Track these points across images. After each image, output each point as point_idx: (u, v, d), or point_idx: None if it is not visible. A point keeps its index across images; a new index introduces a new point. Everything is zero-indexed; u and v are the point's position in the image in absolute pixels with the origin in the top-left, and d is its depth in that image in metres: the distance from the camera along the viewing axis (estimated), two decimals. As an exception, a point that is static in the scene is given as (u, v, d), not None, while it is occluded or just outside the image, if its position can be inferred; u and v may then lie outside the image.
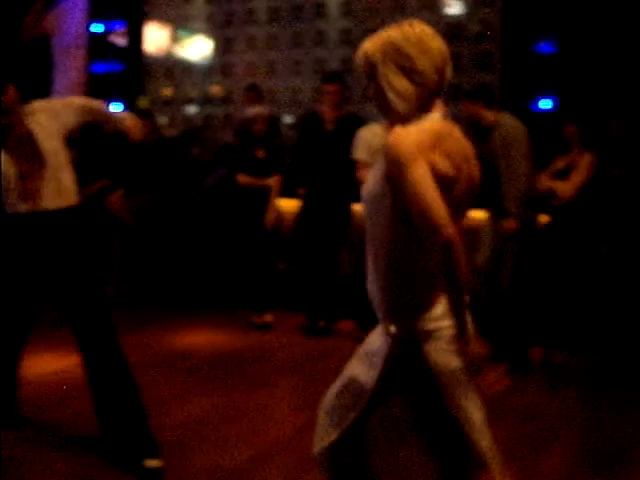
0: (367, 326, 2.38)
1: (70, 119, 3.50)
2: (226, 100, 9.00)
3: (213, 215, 6.53)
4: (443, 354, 2.03)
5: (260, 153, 6.06)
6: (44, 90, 8.82)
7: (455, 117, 2.23)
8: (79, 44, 9.04)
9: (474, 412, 2.06)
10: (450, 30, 7.58)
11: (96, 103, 3.65)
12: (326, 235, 5.73)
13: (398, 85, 2.02)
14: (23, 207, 3.40)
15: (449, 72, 2.05)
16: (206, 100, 9.37)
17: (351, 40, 8.33)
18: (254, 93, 6.92)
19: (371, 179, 2.09)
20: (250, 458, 3.49)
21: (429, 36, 2.03)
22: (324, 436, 2.32)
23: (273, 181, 6.03)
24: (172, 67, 9.62)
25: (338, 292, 5.82)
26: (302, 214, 5.97)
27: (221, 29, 9.24)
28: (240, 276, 6.22)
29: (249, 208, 6.04)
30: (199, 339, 5.60)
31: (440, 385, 2.04)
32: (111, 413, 3.45)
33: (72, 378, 3.91)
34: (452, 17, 7.86)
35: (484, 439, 2.08)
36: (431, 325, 2.03)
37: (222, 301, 6.36)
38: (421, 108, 2.04)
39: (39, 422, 3.84)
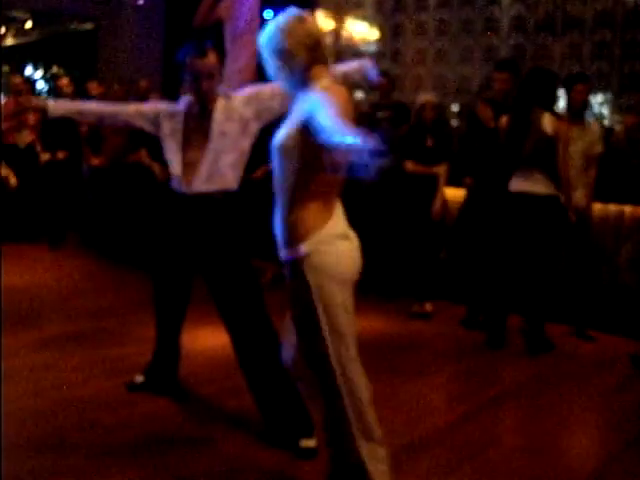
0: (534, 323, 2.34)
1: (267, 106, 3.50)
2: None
3: (378, 202, 6.53)
4: (326, 282, 2.56)
5: (429, 141, 6.01)
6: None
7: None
8: (251, 30, 9.28)
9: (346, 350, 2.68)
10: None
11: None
12: (491, 227, 5.60)
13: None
14: (182, 187, 3.55)
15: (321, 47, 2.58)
16: (373, 87, 9.37)
17: (523, 27, 8.08)
18: (387, 80, 6.84)
19: (284, 133, 2.57)
20: (402, 448, 3.47)
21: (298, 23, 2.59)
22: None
23: (441, 169, 5.97)
24: (341, 53, 9.69)
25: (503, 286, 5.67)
26: (467, 204, 5.87)
27: (391, 16, 9.23)
28: (403, 264, 6.20)
29: (416, 196, 6.01)
30: (358, 325, 5.61)
31: (317, 311, 2.58)
32: (265, 392, 3.51)
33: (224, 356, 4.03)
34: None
35: (358, 392, 2.73)
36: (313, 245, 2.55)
37: (383, 288, 6.35)
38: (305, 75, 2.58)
39: (198, 397, 3.99)
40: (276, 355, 3.40)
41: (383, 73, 7.45)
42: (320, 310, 2.58)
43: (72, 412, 3.65)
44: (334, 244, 2.61)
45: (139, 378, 3.98)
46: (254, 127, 3.55)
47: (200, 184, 3.51)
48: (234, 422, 3.66)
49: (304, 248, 2.56)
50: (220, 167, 3.51)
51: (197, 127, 3.55)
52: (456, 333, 5.50)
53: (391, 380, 4.39)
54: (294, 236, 2.59)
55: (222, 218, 3.55)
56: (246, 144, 3.57)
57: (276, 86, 3.20)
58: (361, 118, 7.66)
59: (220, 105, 3.52)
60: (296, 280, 2.62)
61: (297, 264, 2.59)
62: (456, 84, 8.70)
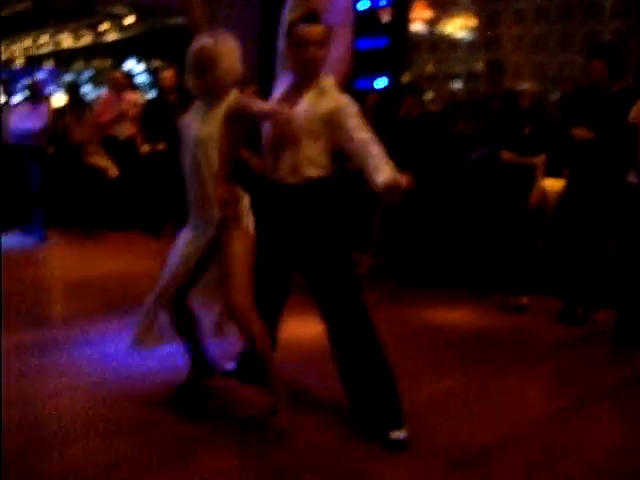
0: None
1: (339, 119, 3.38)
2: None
3: (475, 192, 6.43)
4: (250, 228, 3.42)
5: (526, 130, 5.87)
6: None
7: None
8: (346, 21, 9.27)
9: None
10: None
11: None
12: (592, 218, 5.41)
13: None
14: (272, 177, 3.55)
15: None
16: (471, 75, 9.23)
17: (626, 11, 7.78)
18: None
19: (206, 127, 3.32)
20: (495, 439, 3.43)
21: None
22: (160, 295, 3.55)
23: (538, 159, 5.82)
24: (437, 42, 9.57)
25: (599, 279, 5.50)
26: (566, 195, 5.69)
27: (487, 3, 9.04)
28: (499, 255, 6.08)
29: (512, 186, 5.88)
30: (452, 316, 5.57)
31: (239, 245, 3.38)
32: (357, 383, 3.48)
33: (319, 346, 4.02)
34: None
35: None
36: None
37: (478, 280, 6.25)
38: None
39: (290, 386, 3.98)
40: (370, 346, 3.42)
41: (490, 62, 7.34)
42: None
43: (163, 396, 3.75)
44: None
45: (230, 365, 4.03)
46: (333, 128, 3.40)
47: (287, 174, 3.48)
48: (325, 412, 3.68)
49: None
50: (305, 158, 3.43)
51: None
52: (552, 327, 5.35)
53: (484, 374, 4.32)
54: None
55: (314, 208, 3.50)
56: (329, 139, 3.43)
57: (362, 136, 3.28)
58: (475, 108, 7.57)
59: (311, 96, 3.42)
60: None
61: None
62: (555, 71, 8.46)
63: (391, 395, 3.41)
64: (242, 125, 3.38)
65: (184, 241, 3.52)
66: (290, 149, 3.44)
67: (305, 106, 3.40)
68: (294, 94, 3.47)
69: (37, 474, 2.98)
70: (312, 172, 3.45)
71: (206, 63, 3.29)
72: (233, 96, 3.34)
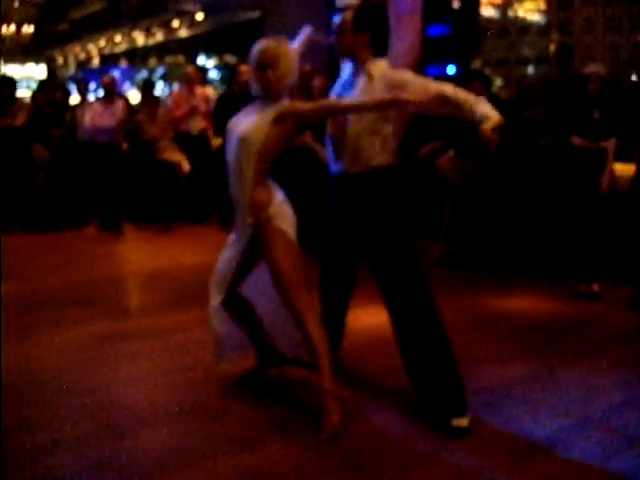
0: None
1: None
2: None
3: (544, 177, 6.34)
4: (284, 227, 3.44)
5: (596, 114, 5.75)
6: (381, 56, 9.17)
7: None
8: (415, 9, 9.23)
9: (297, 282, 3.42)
10: None
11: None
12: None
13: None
14: (335, 168, 3.61)
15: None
16: (542, 59, 9.09)
17: None
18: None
19: (250, 126, 3.40)
20: (560, 429, 3.40)
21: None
22: (214, 297, 3.59)
23: (609, 144, 5.70)
24: (507, 27, 9.46)
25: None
26: (637, 179, 5.57)
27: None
28: (569, 242, 5.99)
29: (582, 171, 5.78)
30: (521, 304, 5.51)
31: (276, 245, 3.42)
32: (420, 371, 3.49)
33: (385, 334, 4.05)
34: None
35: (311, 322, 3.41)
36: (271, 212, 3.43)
37: (548, 267, 6.17)
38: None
39: (355, 374, 4.05)
40: (433, 334, 3.43)
41: (559, 44, 7.21)
42: None
43: (232, 385, 3.85)
44: None
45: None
46: (394, 114, 3.45)
47: (347, 164, 3.53)
48: (389, 400, 3.71)
49: None
50: (363, 148, 3.47)
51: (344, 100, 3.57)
52: (625, 314, 5.24)
53: (554, 361, 4.28)
54: None
55: (376, 197, 3.52)
56: (388, 129, 3.47)
57: (434, 88, 3.33)
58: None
59: (361, 84, 3.49)
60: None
61: None
62: (629, 54, 8.25)
63: (453, 383, 3.42)
64: (288, 128, 3.43)
65: (229, 242, 3.65)
66: (352, 138, 3.48)
67: (358, 95, 3.46)
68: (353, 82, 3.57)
69: (108, 458, 3.11)
70: (374, 161, 3.48)
71: (266, 62, 3.40)
72: (285, 103, 3.42)
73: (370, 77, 3.47)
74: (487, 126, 3.26)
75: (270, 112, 3.38)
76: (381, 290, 3.57)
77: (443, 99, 3.35)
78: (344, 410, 3.42)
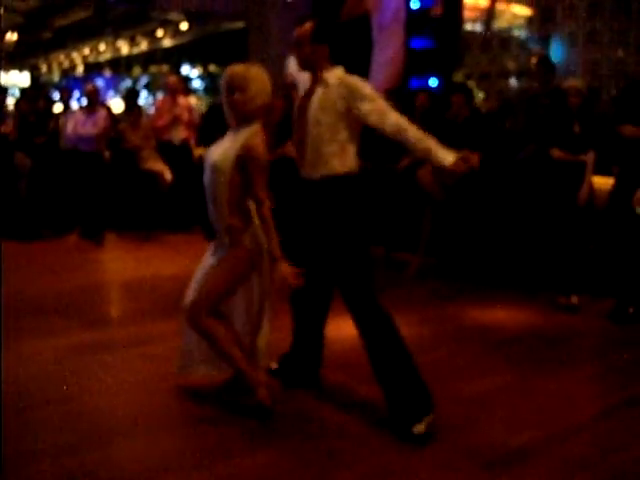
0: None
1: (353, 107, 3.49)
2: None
3: (524, 190, 6.39)
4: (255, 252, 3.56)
5: (575, 127, 5.81)
6: (363, 68, 9.22)
7: None
8: (398, 20, 9.30)
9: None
10: None
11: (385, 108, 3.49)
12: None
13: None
14: (300, 173, 3.66)
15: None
16: (523, 72, 9.17)
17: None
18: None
19: (220, 155, 3.48)
20: (537, 441, 3.42)
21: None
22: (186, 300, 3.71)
23: (588, 157, 5.76)
24: (489, 40, 9.54)
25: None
26: (616, 192, 5.63)
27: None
28: (548, 254, 6.03)
29: (562, 184, 5.83)
30: (500, 315, 5.55)
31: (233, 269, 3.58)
32: (382, 376, 3.54)
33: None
34: None
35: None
36: (247, 241, 3.55)
37: (527, 279, 6.22)
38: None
39: (331, 383, 4.06)
40: (388, 341, 3.51)
41: (540, 58, 7.27)
42: None
43: (213, 394, 3.84)
44: None
45: (274, 365, 4.09)
46: (351, 121, 3.51)
47: (308, 171, 3.61)
48: (361, 408, 3.73)
49: None
50: (322, 155, 3.54)
51: (303, 107, 3.62)
52: (603, 327, 5.30)
53: (532, 373, 4.31)
54: None
55: (333, 204, 3.57)
56: (345, 135, 3.53)
57: (394, 117, 3.42)
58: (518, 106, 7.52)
59: (318, 93, 3.55)
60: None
61: None
62: (610, 68, 8.34)
63: (412, 389, 3.45)
64: (249, 170, 3.46)
65: (205, 259, 3.75)
66: (310, 146, 3.55)
67: (315, 103, 3.53)
68: (306, 97, 3.63)
69: (86, 468, 3.09)
70: (333, 167, 3.54)
71: (234, 85, 3.47)
72: (254, 129, 3.47)
73: (325, 84, 3.53)
74: (448, 162, 3.36)
75: (239, 141, 3.46)
76: (341, 296, 3.63)
77: (398, 131, 3.42)
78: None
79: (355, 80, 3.52)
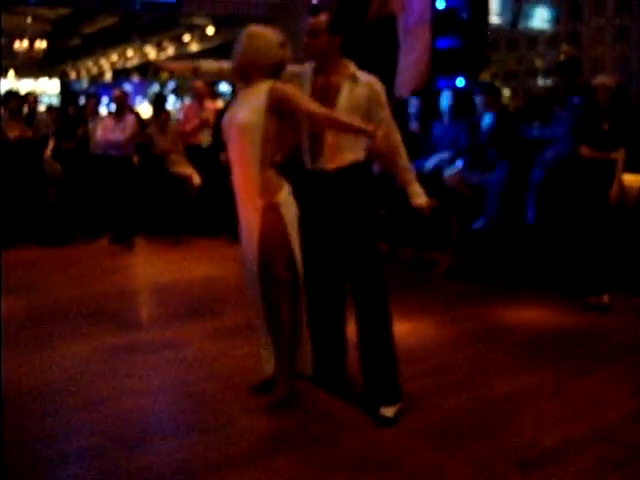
0: None
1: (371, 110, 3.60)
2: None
3: (554, 188, 6.34)
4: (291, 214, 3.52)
5: (604, 125, 5.76)
6: (389, 69, 9.20)
7: None
8: (424, 22, 9.26)
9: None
10: None
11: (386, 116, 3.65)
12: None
13: None
14: (311, 165, 3.66)
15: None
16: (551, 71, 9.08)
17: None
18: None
19: (245, 115, 3.47)
20: (566, 441, 3.39)
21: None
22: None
23: (618, 155, 5.70)
24: (516, 38, 9.47)
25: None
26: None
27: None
28: (579, 253, 5.98)
29: (592, 182, 5.78)
30: (531, 315, 5.50)
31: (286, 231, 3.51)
32: (364, 358, 3.67)
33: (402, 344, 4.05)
34: None
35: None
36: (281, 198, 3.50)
37: (558, 278, 6.16)
38: None
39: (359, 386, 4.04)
40: (377, 325, 3.62)
41: (566, 60, 7.22)
42: None
43: (242, 397, 3.85)
44: None
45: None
46: (366, 120, 3.55)
47: (324, 162, 3.61)
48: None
49: None
50: (343, 148, 3.59)
51: (326, 99, 3.58)
52: (635, 326, 5.23)
53: (563, 373, 4.28)
54: None
55: (352, 192, 3.62)
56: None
57: (398, 137, 3.67)
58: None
59: (346, 87, 3.56)
60: None
61: None
62: (639, 64, 8.24)
63: (393, 377, 3.60)
64: (285, 115, 3.51)
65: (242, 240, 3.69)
66: (331, 139, 3.57)
67: (344, 97, 3.55)
68: (320, 80, 3.63)
69: (115, 470, 3.12)
70: (350, 157, 3.61)
71: (237, 47, 3.55)
72: (266, 85, 3.48)
73: (354, 79, 3.58)
74: (419, 203, 3.73)
75: (261, 95, 3.46)
76: (350, 284, 3.69)
77: (396, 151, 3.67)
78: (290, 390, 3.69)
79: (380, 85, 3.63)
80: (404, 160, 3.71)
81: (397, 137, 3.67)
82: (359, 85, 3.57)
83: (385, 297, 3.64)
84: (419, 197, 3.73)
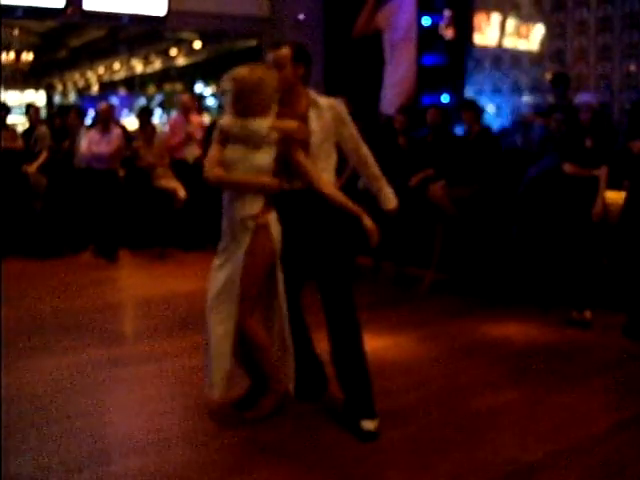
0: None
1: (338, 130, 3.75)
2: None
3: (537, 205, 6.39)
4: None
5: (587, 142, 5.82)
6: (375, 85, 9.26)
7: None
8: (409, 39, 9.33)
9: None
10: None
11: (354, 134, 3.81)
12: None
13: None
14: (285, 184, 3.68)
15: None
16: (536, 88, 9.15)
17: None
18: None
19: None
20: (548, 455, 3.40)
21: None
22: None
23: (601, 172, 5.76)
24: (500, 56, 9.54)
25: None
26: (628, 207, 5.62)
27: (551, 14, 8.96)
28: (562, 269, 6.02)
29: (575, 199, 5.83)
30: (512, 330, 5.53)
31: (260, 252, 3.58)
32: (343, 377, 3.72)
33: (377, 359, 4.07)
34: None
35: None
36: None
37: (540, 294, 6.20)
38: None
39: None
40: (348, 339, 3.67)
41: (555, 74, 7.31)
42: None
43: (224, 411, 3.83)
44: None
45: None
46: (333, 140, 3.74)
47: (299, 182, 3.67)
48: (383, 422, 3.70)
49: None
50: (321, 169, 3.69)
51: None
52: (616, 342, 5.26)
53: (544, 387, 4.30)
54: None
55: (327, 212, 3.68)
56: (333, 152, 3.78)
57: (364, 150, 3.82)
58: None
59: (313, 114, 3.67)
60: None
61: None
62: (621, 81, 8.33)
63: (364, 386, 3.63)
64: (293, 147, 3.62)
65: (216, 265, 3.72)
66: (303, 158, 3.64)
67: (315, 124, 3.66)
68: (286, 111, 3.68)
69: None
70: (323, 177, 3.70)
71: (249, 88, 3.55)
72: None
73: (316, 105, 3.69)
74: (390, 207, 3.91)
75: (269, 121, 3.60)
76: (325, 302, 3.70)
77: (365, 163, 3.85)
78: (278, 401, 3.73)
79: (341, 105, 3.78)
80: (373, 169, 3.87)
81: (364, 150, 3.82)
82: (323, 109, 3.69)
83: (354, 311, 3.69)
84: (390, 202, 3.93)
